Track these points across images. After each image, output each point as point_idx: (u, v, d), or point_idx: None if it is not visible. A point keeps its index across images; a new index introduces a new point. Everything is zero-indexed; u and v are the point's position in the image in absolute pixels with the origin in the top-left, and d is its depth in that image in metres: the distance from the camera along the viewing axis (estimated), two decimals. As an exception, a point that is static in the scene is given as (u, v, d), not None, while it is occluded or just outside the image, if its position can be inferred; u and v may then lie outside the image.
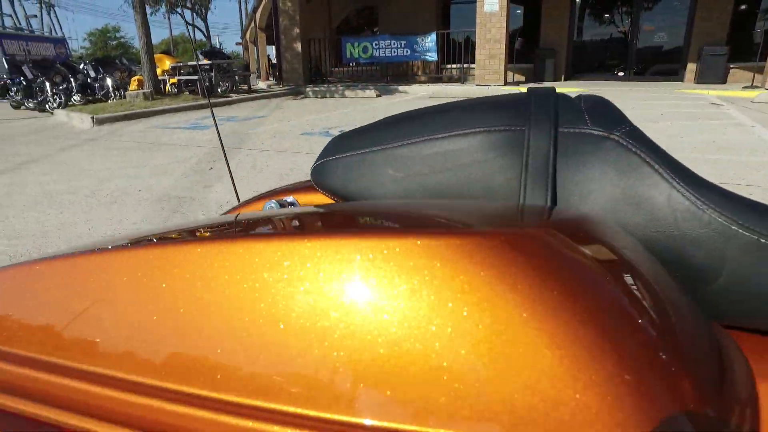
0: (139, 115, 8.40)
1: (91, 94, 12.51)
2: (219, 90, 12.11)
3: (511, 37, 10.24)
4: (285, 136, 5.67)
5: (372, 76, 12.89)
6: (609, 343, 0.30)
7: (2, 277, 0.50)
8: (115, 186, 3.77)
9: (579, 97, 0.57)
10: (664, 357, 0.32)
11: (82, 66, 14.44)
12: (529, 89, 0.58)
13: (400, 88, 10.74)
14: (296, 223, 0.50)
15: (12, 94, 13.02)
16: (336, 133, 5.72)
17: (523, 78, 11.86)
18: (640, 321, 0.34)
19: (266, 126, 6.67)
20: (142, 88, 10.78)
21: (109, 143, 5.90)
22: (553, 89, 0.57)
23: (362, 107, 8.63)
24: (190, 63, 11.46)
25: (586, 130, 0.51)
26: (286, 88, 12.26)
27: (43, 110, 11.95)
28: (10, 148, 5.90)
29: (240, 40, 34.14)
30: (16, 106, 13.27)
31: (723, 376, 0.38)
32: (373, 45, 11.28)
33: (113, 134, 6.70)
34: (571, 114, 0.52)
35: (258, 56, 22.15)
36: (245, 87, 12.59)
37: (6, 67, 13.20)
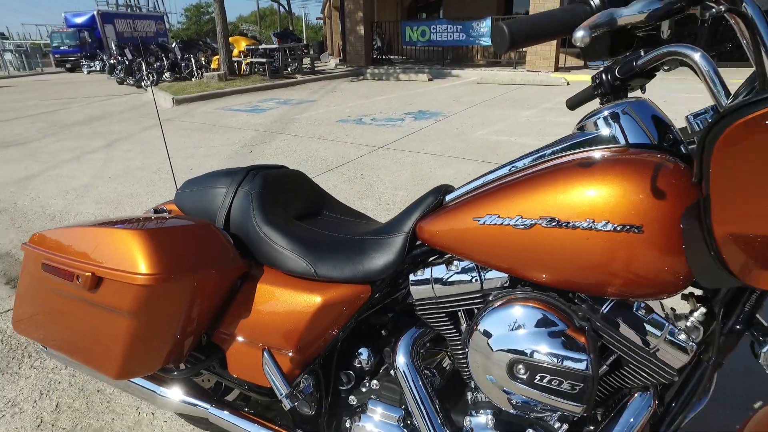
0: (211, 96, 9.54)
1: (178, 72, 14.05)
2: (289, 69, 13.11)
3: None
4: (322, 123, 6.42)
5: (431, 58, 13.25)
6: None
7: (65, 232, 1.23)
8: (174, 164, 4.73)
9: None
10: None
11: (173, 45, 16.07)
12: None
13: (453, 72, 11.08)
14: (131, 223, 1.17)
15: (117, 72, 14.93)
16: (368, 121, 6.38)
17: (581, 62, 11.67)
18: None
19: (312, 111, 7.46)
20: (220, 69, 12.00)
21: (181, 124, 6.99)
22: None
23: (408, 93, 9.16)
24: (261, 47, 12.46)
25: None
26: (349, 69, 13.00)
27: (140, 86, 13.65)
28: (108, 126, 7.19)
29: (321, 15, 35.21)
30: (120, 82, 15.18)
31: None
32: (431, 29, 11.65)
33: (187, 114, 7.84)
34: None
35: (331, 33, 22.98)
36: (311, 68, 13.47)
37: (114, 50, 15.05)
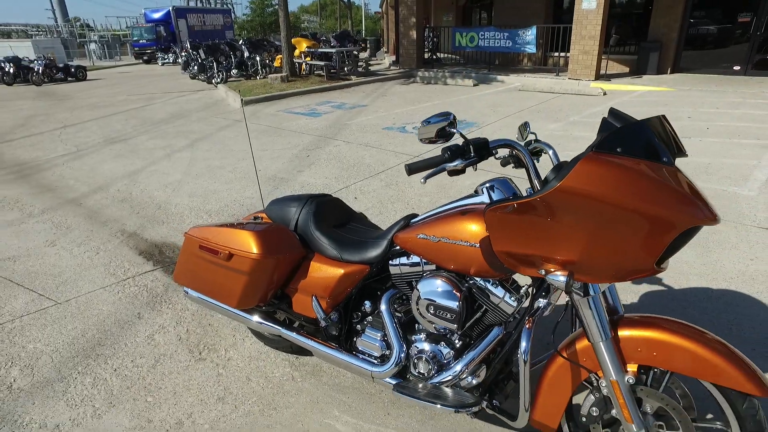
0: (274, 98, 10.68)
1: (245, 70, 15.39)
2: (346, 69, 14.10)
3: (608, 29, 10.50)
4: (370, 130, 7.33)
5: (481, 59, 13.83)
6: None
7: (197, 231, 2.19)
8: (245, 165, 5.80)
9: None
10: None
11: (241, 43, 17.46)
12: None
13: (499, 77, 11.67)
14: (251, 226, 2.12)
15: (191, 68, 16.50)
16: (410, 130, 7.22)
17: (626, 69, 11.92)
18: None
19: (362, 117, 8.39)
20: (282, 69, 13.16)
21: (249, 126, 8.11)
22: None
23: (451, 99, 9.90)
24: (320, 50, 13.50)
25: None
26: (401, 71, 13.82)
27: (210, 83, 15.10)
28: (188, 125, 8.44)
29: (379, 9, 35.95)
30: (193, 77, 16.75)
31: None
32: (479, 35, 12.25)
33: (254, 116, 8.98)
34: None
35: (387, 28, 23.74)
36: (365, 68, 14.39)
37: (189, 48, 16.62)
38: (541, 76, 11.35)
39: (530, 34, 11.21)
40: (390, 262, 1.84)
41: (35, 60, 19.32)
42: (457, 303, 1.62)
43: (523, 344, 1.49)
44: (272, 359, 2.38)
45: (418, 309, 1.72)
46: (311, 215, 2.05)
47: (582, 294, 1.43)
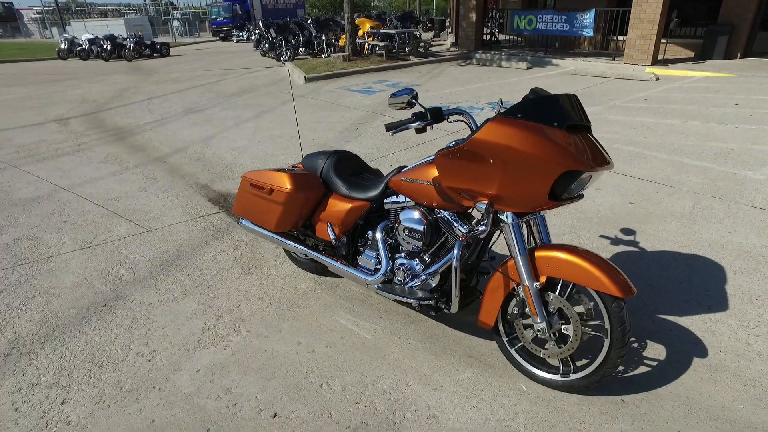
0: (335, 75, 11.43)
1: (311, 48, 16.27)
2: (406, 50, 14.59)
3: (670, 12, 10.27)
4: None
5: (538, 43, 13.84)
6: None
7: (250, 175, 2.94)
8: (303, 135, 6.58)
9: None
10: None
11: (309, 21, 18.33)
12: None
13: (554, 60, 11.73)
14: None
15: (262, 45, 17.61)
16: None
17: (690, 53, 11.56)
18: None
19: (412, 96, 8.93)
20: (345, 49, 13.87)
21: (309, 101, 8.92)
22: None
23: (501, 82, 10.20)
24: (381, 31, 14.04)
25: None
26: (459, 52, 14.12)
27: (278, 60, 16.11)
28: (255, 99, 9.38)
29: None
30: (263, 54, 17.85)
31: None
32: (537, 18, 12.29)
33: (314, 92, 9.78)
34: None
35: (453, 13, 23.75)
36: (425, 49, 14.80)
37: (262, 26, 17.72)
38: (597, 60, 11.30)
39: (588, 18, 11.16)
40: (384, 200, 2.48)
41: (127, 38, 21.27)
42: (423, 227, 2.24)
43: (455, 252, 2.10)
44: (301, 277, 3.11)
45: (398, 233, 2.36)
46: (332, 165, 2.73)
47: (505, 221, 2.01)
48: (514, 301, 2.17)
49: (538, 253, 2.02)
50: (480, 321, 2.24)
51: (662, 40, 10.66)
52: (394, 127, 2.17)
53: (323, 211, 2.72)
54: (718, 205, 3.89)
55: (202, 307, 2.81)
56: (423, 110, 2.16)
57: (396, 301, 2.42)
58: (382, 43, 13.52)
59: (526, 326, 2.19)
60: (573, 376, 2.07)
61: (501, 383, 2.19)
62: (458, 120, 2.26)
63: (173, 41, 34.17)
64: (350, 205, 2.59)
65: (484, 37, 14.56)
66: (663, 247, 3.32)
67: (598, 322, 2.00)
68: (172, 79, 13.13)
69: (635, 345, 2.42)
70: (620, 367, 2.26)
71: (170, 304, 2.84)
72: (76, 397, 2.15)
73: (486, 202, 1.96)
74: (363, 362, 2.34)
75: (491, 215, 2.00)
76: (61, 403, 2.12)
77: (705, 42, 11.04)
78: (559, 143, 1.76)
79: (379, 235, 2.49)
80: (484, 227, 2.12)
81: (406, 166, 2.43)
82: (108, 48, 20.54)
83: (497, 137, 1.81)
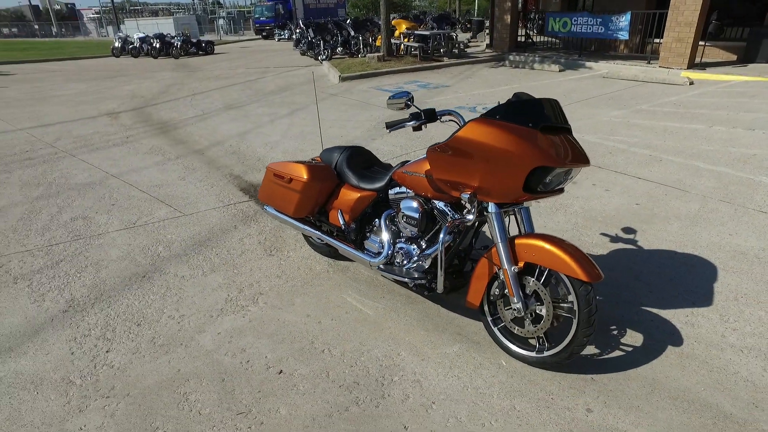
0: (369, 75, 11.77)
1: (348, 48, 16.68)
2: (441, 51, 14.78)
3: (708, 16, 10.06)
4: (444, 108, 8.10)
5: (573, 45, 13.75)
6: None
7: (274, 165, 3.29)
8: (332, 132, 6.93)
9: None
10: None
11: (348, 21, 18.77)
12: None
13: (587, 63, 11.68)
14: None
15: (301, 45, 18.16)
16: (479, 110, 7.89)
17: (732, 57, 11.27)
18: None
19: (441, 96, 9.16)
20: (381, 49, 14.18)
21: (342, 99, 9.28)
22: None
23: (531, 84, 10.27)
24: (416, 32, 14.28)
25: None
26: (492, 54, 14.20)
27: (316, 59, 16.60)
28: (291, 97, 9.82)
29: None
30: (302, 53, 18.39)
31: None
32: (572, 21, 12.25)
33: (347, 91, 10.14)
34: None
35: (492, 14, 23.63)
36: (459, 50, 14.93)
37: (302, 26, 18.28)
38: (631, 63, 11.19)
39: (624, 20, 11.06)
40: (389, 191, 2.77)
41: (175, 36, 22.32)
42: (419, 214, 2.52)
43: (441, 236, 2.36)
44: (317, 259, 3.44)
45: (399, 220, 2.64)
46: (345, 159, 3.04)
47: (489, 210, 2.26)
48: (496, 284, 2.41)
49: (518, 241, 2.26)
50: (467, 302, 2.50)
51: (701, 43, 10.46)
52: (392, 125, 2.46)
53: (336, 199, 3.03)
54: (724, 209, 3.98)
55: (226, 282, 3.17)
56: (418, 111, 2.43)
57: (395, 281, 2.71)
58: (416, 44, 13.76)
59: (506, 307, 2.42)
60: (546, 353, 2.30)
61: (483, 358, 2.44)
62: (450, 120, 2.52)
63: (218, 39, 35.40)
64: (359, 195, 2.89)
65: (519, 38, 14.58)
66: (661, 246, 3.47)
67: (569, 305, 2.22)
68: (215, 77, 13.80)
69: (615, 332, 2.62)
70: (596, 350, 2.47)
71: (199, 278, 3.22)
72: (118, 348, 2.55)
73: (469, 192, 2.22)
74: (362, 334, 2.64)
75: (475, 204, 2.26)
76: (106, 351, 2.52)
77: (749, 45, 10.75)
78: (532, 141, 1.99)
79: (383, 222, 2.77)
80: (471, 216, 2.38)
81: (408, 161, 2.71)
82: (157, 46, 21.61)
83: (476, 135, 2.07)
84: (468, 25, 23.76)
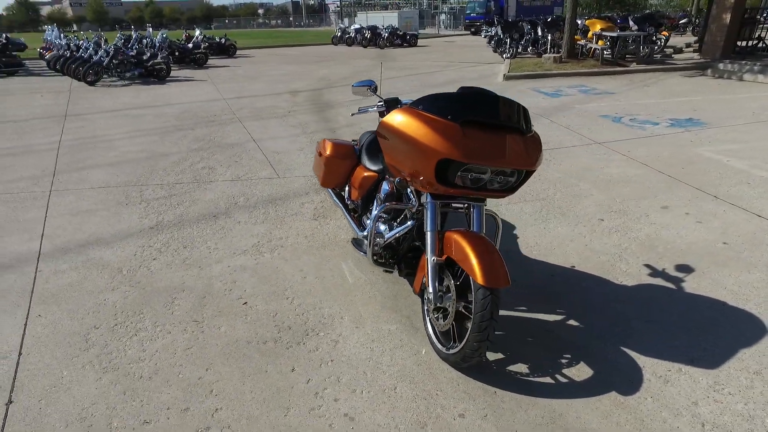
0: (535, 76, 11.34)
1: (536, 47, 16.14)
2: (640, 54, 13.26)
3: None
4: (587, 115, 7.50)
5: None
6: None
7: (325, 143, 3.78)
8: (453, 126, 7.10)
9: None
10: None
11: (548, 20, 18.06)
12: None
13: (825, 79, 9.22)
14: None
15: (492, 42, 18.19)
16: (626, 121, 7.09)
17: None
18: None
19: (595, 103, 8.41)
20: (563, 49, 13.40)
21: (490, 97, 9.25)
22: None
23: (713, 98, 8.62)
24: (611, 34, 13.01)
25: None
26: (697, 61, 12.14)
27: (501, 56, 16.45)
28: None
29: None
30: (494, 50, 18.39)
31: None
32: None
33: (502, 90, 9.97)
34: None
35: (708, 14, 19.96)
36: (656, 55, 13.15)
37: (495, 24, 18.27)
38: None
39: None
40: (387, 177, 3.02)
41: (384, 28, 24.43)
42: (384, 195, 2.74)
43: (374, 211, 2.54)
44: (346, 230, 3.84)
45: (377, 201, 2.89)
46: (367, 142, 3.36)
47: (425, 200, 2.37)
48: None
49: (446, 234, 2.32)
50: (413, 288, 2.63)
51: None
52: (358, 112, 2.72)
53: (352, 176, 3.38)
54: (711, 204, 3.08)
55: (266, 232, 3.82)
56: (381, 99, 2.63)
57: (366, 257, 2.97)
58: (598, 47, 12.62)
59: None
60: (450, 351, 2.32)
61: (408, 341, 2.56)
62: None
63: (436, 32, 37.20)
64: (365, 174, 3.19)
65: (743, 43, 12.11)
66: (711, 293, 2.92)
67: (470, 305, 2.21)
68: (400, 67, 14.90)
69: (565, 360, 2.44)
70: (528, 369, 2.37)
71: (249, 226, 3.94)
72: (160, 258, 3.41)
73: (400, 177, 2.37)
74: (329, 294, 2.98)
75: (408, 190, 2.39)
76: (153, 259, 3.40)
77: None
78: (443, 134, 2.05)
79: (375, 202, 3.04)
80: (410, 203, 2.50)
81: None
82: (367, 36, 24.00)
83: (395, 122, 2.21)
84: (698, 29, 20.47)
